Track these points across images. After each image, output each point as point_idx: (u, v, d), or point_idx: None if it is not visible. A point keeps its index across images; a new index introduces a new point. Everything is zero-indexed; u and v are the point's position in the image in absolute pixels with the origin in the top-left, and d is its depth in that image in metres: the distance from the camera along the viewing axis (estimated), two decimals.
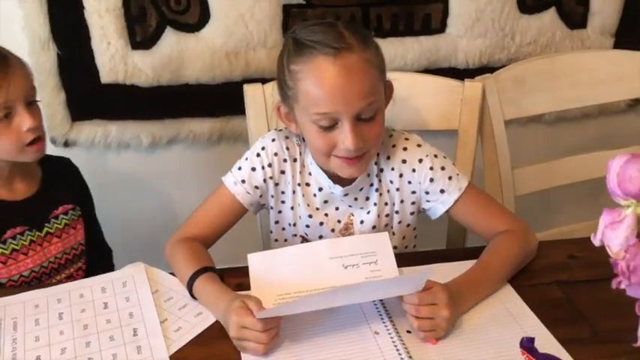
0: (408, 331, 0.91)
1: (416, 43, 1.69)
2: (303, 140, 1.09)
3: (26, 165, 1.18)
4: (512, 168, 1.35)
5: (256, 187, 1.10)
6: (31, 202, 1.18)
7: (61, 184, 1.24)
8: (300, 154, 1.10)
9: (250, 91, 1.28)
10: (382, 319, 0.94)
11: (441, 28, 1.70)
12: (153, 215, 1.81)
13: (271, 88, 1.27)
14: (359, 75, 0.94)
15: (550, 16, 1.73)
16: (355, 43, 0.95)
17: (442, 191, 1.08)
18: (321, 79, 0.94)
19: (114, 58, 1.62)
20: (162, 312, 0.97)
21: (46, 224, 1.20)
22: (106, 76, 1.64)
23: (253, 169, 1.10)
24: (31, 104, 1.12)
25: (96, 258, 1.31)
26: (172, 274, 1.06)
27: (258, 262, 1.01)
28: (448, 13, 1.68)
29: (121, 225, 1.58)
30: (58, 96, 1.65)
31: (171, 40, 1.62)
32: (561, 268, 1.06)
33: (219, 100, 1.70)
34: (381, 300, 0.96)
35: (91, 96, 1.67)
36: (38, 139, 1.12)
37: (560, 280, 1.03)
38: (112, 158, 1.75)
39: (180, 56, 1.64)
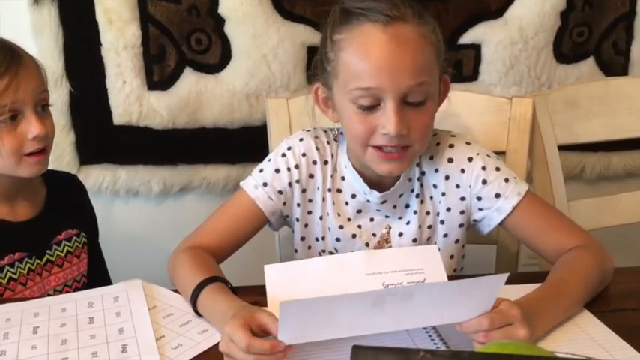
0: None
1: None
2: (341, 133, 0.96)
3: (31, 182, 1.05)
4: (567, 200, 1.18)
5: (280, 192, 0.95)
6: (33, 225, 1.03)
7: (65, 205, 1.09)
8: (333, 155, 0.96)
9: (274, 106, 1.17)
10: (433, 341, 0.75)
11: (474, 75, 1.61)
12: (156, 269, 1.64)
13: (297, 103, 1.16)
14: (411, 48, 0.82)
15: (588, 65, 1.64)
16: (410, 14, 0.84)
17: (497, 196, 0.92)
18: (366, 48, 0.82)
19: (129, 97, 1.54)
20: (159, 328, 0.80)
21: (48, 251, 1.04)
22: (119, 117, 1.56)
23: (277, 170, 0.96)
24: (43, 108, 1.00)
25: None
26: (176, 291, 0.89)
27: (276, 276, 0.83)
28: (481, 60, 1.60)
29: (124, 278, 1.42)
30: (68, 137, 1.56)
31: (189, 80, 1.55)
32: None
33: (237, 145, 1.60)
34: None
35: (101, 138, 1.57)
36: (41, 152, 0.99)
37: None
38: (119, 206, 1.62)
39: (198, 98, 1.56)
